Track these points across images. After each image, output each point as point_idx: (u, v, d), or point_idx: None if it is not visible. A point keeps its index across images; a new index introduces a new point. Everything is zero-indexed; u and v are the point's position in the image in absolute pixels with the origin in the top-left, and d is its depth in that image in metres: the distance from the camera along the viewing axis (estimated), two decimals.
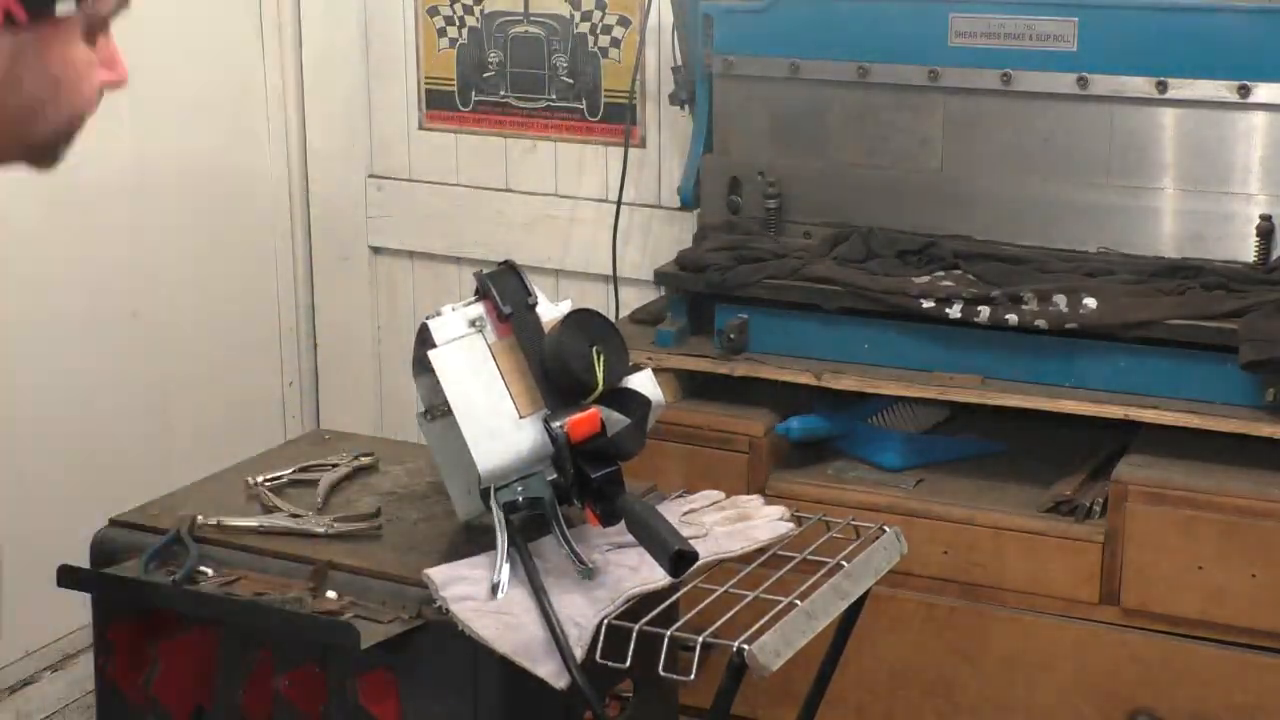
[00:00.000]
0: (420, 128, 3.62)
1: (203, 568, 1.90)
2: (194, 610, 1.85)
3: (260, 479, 2.13)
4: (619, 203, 3.34)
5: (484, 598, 1.77)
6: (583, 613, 1.76)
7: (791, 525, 1.99)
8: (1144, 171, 2.80)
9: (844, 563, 1.87)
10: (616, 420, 1.86)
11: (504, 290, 1.91)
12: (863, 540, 1.97)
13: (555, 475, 1.86)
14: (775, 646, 1.67)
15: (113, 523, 2.04)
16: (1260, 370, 2.45)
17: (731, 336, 2.77)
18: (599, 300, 3.51)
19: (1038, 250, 2.81)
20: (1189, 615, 2.50)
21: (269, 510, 2.04)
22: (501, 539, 1.84)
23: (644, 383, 1.93)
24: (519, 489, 1.87)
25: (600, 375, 1.86)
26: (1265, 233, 2.69)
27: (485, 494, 1.88)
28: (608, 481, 1.82)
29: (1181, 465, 2.53)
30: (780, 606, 1.73)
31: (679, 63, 3.15)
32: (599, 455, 1.83)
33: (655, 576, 1.80)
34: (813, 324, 2.75)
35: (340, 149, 3.65)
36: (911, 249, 2.81)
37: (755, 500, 2.06)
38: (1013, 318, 2.58)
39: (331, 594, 1.82)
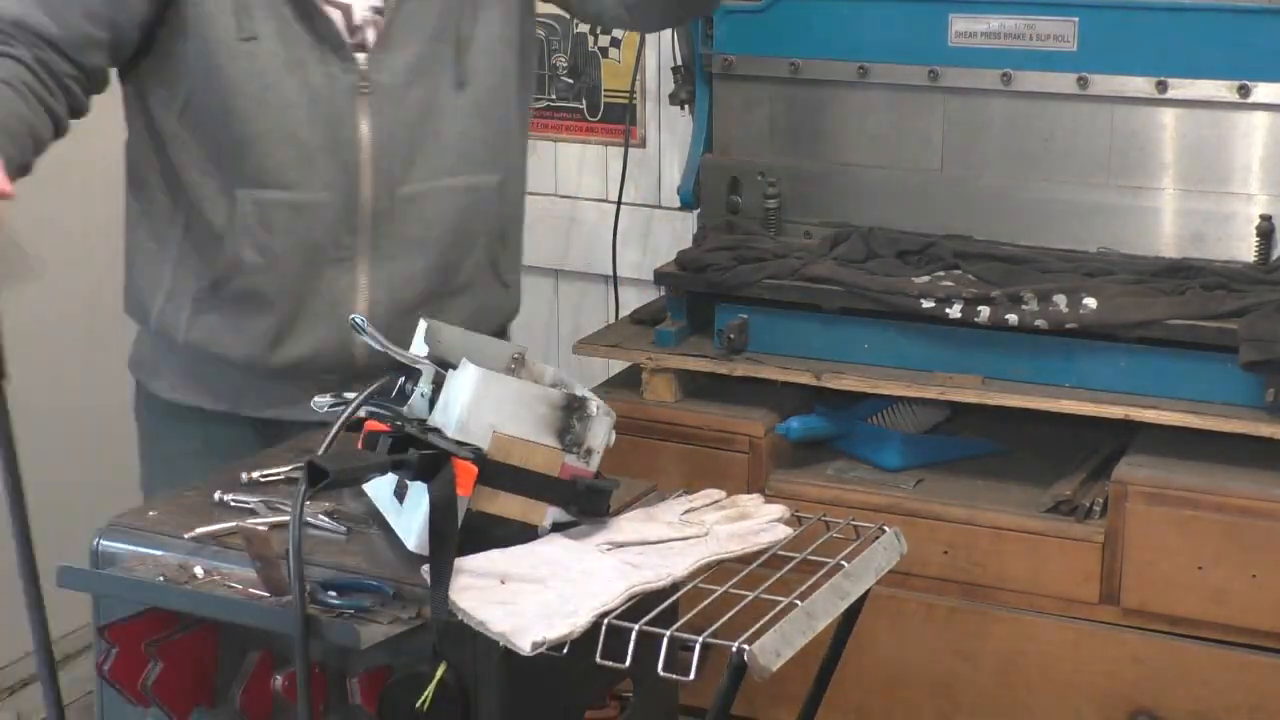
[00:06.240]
0: None
1: (198, 568, 1.90)
2: (193, 610, 1.85)
3: (256, 475, 2.12)
4: (619, 203, 3.34)
5: (487, 587, 1.77)
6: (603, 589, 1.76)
7: (790, 527, 1.99)
8: (1144, 171, 2.80)
9: (844, 563, 1.87)
10: None
11: None
12: (863, 540, 1.96)
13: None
14: (775, 646, 1.67)
15: (113, 523, 2.03)
16: (1260, 370, 2.46)
17: (731, 336, 2.77)
18: (599, 299, 3.51)
19: (1038, 250, 2.82)
20: (1189, 615, 2.50)
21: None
22: None
23: None
24: None
25: None
26: (1265, 233, 2.69)
27: None
28: None
29: (1181, 465, 2.53)
30: (780, 606, 1.73)
31: (679, 63, 3.15)
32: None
33: (656, 576, 1.80)
34: (813, 324, 2.75)
35: None
36: (911, 249, 2.81)
37: (755, 499, 2.06)
38: (1013, 318, 2.58)
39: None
